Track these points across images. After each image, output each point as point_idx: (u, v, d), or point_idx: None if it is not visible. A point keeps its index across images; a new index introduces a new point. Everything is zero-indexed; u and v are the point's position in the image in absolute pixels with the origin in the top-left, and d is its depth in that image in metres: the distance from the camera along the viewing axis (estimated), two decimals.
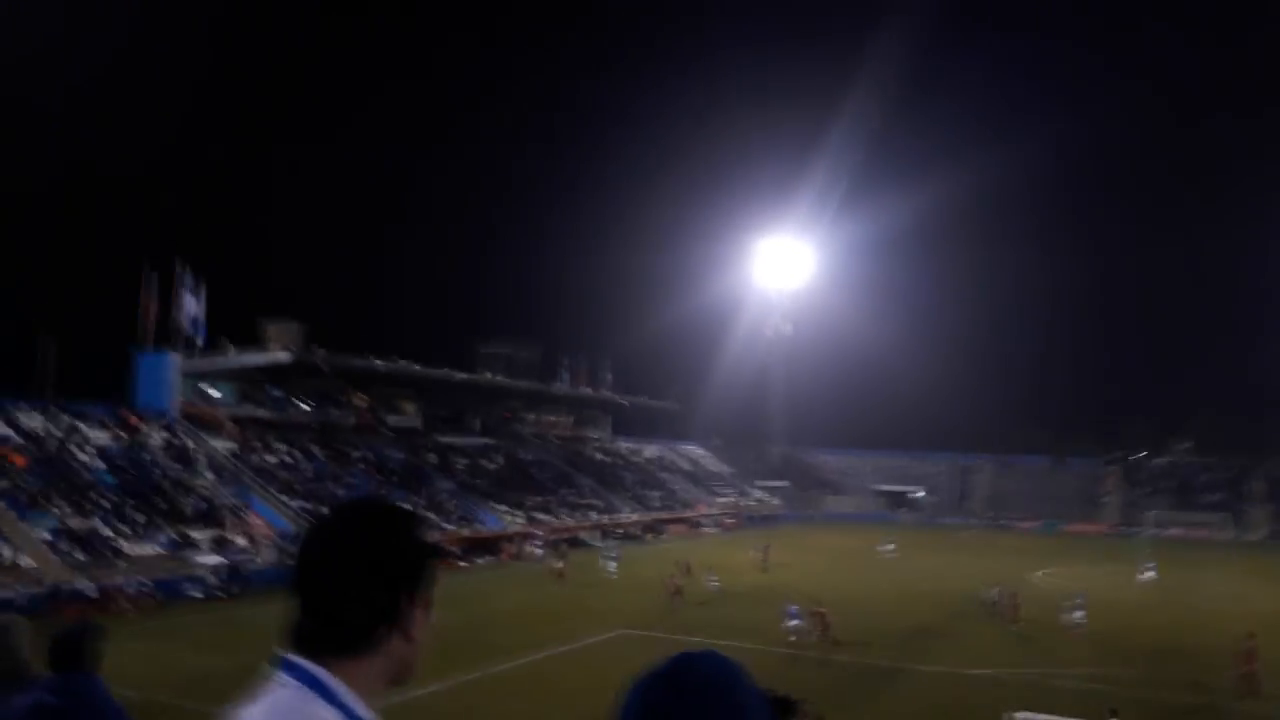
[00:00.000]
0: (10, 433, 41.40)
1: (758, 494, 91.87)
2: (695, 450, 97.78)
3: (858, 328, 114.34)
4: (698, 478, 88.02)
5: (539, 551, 49.60)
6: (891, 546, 55.85)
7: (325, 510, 1.67)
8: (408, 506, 1.73)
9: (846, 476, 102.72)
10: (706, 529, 73.35)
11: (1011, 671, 25.47)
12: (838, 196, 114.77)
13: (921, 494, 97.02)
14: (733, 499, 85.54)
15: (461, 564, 47.81)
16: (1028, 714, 14.66)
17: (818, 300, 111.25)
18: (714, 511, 78.40)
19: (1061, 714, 16.78)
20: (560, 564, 41.76)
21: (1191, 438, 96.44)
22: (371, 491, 51.09)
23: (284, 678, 1.48)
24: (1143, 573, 44.57)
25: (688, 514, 74.61)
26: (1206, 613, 35.27)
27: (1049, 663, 26.57)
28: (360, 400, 62.65)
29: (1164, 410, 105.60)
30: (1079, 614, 31.21)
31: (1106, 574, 45.67)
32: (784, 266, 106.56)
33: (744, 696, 1.25)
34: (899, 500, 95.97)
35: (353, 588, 1.52)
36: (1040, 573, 48.67)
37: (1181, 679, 24.56)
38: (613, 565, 41.72)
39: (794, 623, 28.50)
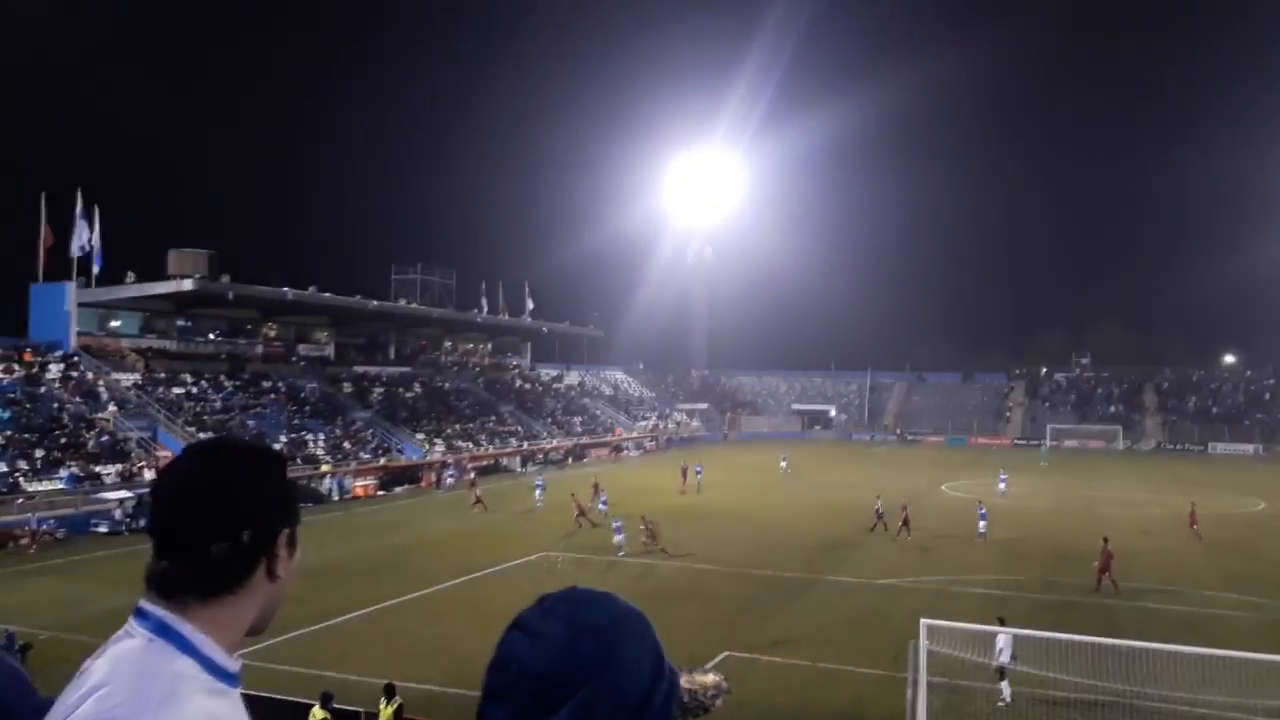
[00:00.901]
0: None
1: (678, 416, 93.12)
2: (616, 375, 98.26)
3: (777, 251, 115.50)
4: (619, 402, 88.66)
5: (451, 478, 49.26)
6: (784, 462, 57.41)
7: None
8: (270, 445, 1.63)
9: (765, 397, 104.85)
10: (628, 452, 74.27)
11: (915, 580, 26.68)
12: (756, 120, 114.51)
13: (833, 412, 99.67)
14: (654, 422, 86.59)
15: (381, 493, 47.59)
16: (932, 620, 15.37)
17: (738, 225, 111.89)
18: (635, 435, 79.33)
19: (963, 619, 17.66)
20: (478, 491, 41.61)
21: (1090, 353, 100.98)
22: (279, 426, 50.18)
23: (135, 626, 1.37)
24: (999, 483, 46.69)
25: (609, 438, 75.34)
26: (1098, 519, 37.34)
27: (952, 571, 27.89)
28: (270, 330, 60.93)
29: (1066, 327, 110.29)
30: (981, 524, 32.82)
31: (1009, 485, 47.77)
32: (705, 191, 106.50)
33: (611, 625, 1.21)
34: (814, 418, 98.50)
35: (215, 525, 1.41)
36: (945, 485, 50.79)
37: (1070, 582, 26.06)
38: (539, 493, 41.72)
39: (618, 535, 30.22)
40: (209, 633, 1.39)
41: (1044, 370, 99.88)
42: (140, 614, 1.39)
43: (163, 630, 1.36)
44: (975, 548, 31.60)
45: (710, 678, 1.31)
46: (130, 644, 1.35)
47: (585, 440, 71.61)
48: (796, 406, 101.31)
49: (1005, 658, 16.25)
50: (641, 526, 30.75)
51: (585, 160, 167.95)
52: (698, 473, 47.99)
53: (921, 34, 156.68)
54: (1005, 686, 16.20)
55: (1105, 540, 25.82)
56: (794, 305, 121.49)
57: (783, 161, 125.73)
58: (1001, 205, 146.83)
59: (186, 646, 1.36)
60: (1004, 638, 16.23)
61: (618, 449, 73.99)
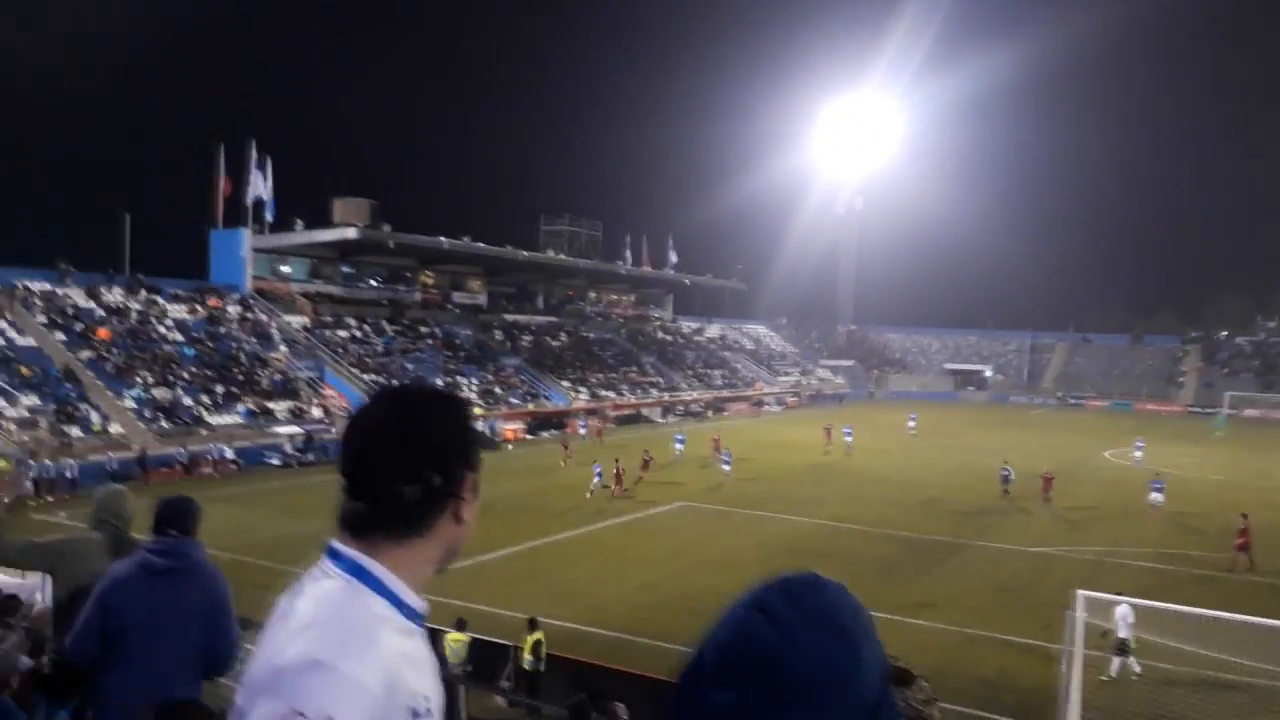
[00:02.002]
0: (93, 306, 42.99)
1: (822, 373, 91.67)
2: (759, 329, 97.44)
3: (933, 203, 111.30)
4: (760, 357, 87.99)
5: (583, 430, 49.59)
6: (913, 422, 55.99)
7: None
8: (455, 392, 1.65)
9: (915, 355, 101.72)
10: (769, 407, 73.77)
11: (1070, 549, 25.47)
12: (915, 63, 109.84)
13: (989, 373, 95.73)
14: (796, 378, 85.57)
15: (528, 437, 49.05)
16: (1087, 592, 14.66)
17: (892, 175, 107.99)
18: (776, 390, 78.63)
19: (1114, 592, 16.77)
20: (565, 444, 43.27)
21: (1278, 316, 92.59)
22: (435, 370, 52.30)
23: (330, 567, 1.44)
24: (1135, 450, 43.59)
25: (749, 393, 74.97)
26: (1273, 494, 34.59)
27: (1111, 542, 26.45)
28: (427, 278, 63.40)
29: (1249, 288, 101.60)
30: (1157, 495, 31.01)
31: (1179, 454, 44.83)
32: (857, 139, 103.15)
33: (854, 623, 1.11)
34: (967, 379, 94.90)
35: (407, 469, 1.46)
36: (1108, 452, 48.12)
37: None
38: (679, 446, 41.91)
39: (596, 478, 31.84)
40: (399, 573, 1.45)
41: (1223, 334, 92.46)
42: (334, 554, 1.45)
43: (358, 572, 1.42)
44: (1136, 519, 29.84)
45: (914, 688, 1.22)
46: (330, 585, 1.42)
47: (725, 394, 71.54)
48: (949, 366, 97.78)
49: (1126, 631, 15.38)
50: (614, 470, 32.10)
51: (733, 110, 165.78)
52: (846, 434, 46.30)
53: None
54: (1118, 661, 15.39)
55: (1244, 517, 24.02)
56: (949, 260, 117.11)
57: (942, 107, 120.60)
58: (1178, 155, 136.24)
59: (380, 588, 1.42)
60: (1129, 611, 15.29)
61: (758, 404, 73.58)
